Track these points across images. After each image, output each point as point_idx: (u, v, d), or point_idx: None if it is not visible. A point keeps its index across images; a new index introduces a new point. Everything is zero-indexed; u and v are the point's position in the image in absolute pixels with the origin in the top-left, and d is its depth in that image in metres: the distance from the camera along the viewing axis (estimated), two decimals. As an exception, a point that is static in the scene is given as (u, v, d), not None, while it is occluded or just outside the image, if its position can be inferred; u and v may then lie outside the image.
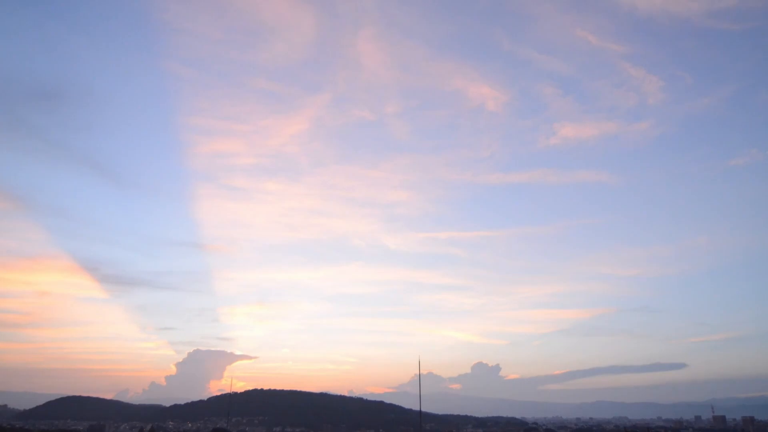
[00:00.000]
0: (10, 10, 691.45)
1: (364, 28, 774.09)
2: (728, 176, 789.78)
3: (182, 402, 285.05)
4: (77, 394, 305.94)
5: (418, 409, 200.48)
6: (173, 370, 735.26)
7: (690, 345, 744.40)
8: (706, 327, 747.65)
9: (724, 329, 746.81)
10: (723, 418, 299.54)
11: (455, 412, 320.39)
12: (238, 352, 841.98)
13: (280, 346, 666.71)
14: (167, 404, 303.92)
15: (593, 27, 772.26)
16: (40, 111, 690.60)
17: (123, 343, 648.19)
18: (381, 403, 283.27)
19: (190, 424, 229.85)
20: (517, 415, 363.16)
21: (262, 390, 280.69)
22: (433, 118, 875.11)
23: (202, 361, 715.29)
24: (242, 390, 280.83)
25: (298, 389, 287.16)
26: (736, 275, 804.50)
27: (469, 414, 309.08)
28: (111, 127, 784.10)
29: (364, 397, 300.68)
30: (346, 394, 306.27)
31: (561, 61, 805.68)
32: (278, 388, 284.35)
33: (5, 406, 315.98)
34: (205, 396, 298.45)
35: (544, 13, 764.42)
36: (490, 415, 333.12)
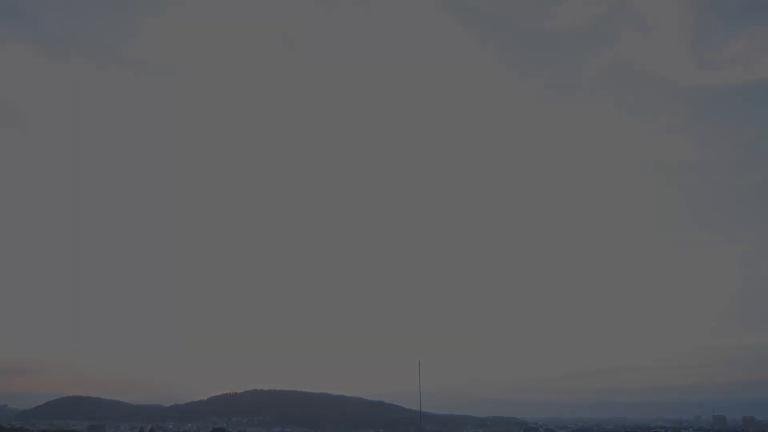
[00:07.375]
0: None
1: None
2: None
3: (182, 402, 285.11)
4: (77, 394, 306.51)
5: (418, 408, 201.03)
6: (173, 370, 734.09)
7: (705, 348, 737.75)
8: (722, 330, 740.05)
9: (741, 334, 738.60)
10: (723, 418, 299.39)
11: (455, 412, 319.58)
12: (238, 352, 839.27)
13: (280, 345, 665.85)
14: (167, 404, 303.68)
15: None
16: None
17: (124, 343, 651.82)
18: (381, 403, 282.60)
19: (190, 424, 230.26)
20: (517, 415, 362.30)
21: (262, 390, 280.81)
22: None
23: (202, 361, 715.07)
24: (242, 390, 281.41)
25: (298, 389, 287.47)
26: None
27: (469, 414, 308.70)
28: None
29: (364, 397, 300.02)
30: (346, 394, 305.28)
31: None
32: (278, 388, 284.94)
33: (5, 406, 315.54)
34: (205, 396, 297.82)
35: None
36: (490, 415, 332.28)
